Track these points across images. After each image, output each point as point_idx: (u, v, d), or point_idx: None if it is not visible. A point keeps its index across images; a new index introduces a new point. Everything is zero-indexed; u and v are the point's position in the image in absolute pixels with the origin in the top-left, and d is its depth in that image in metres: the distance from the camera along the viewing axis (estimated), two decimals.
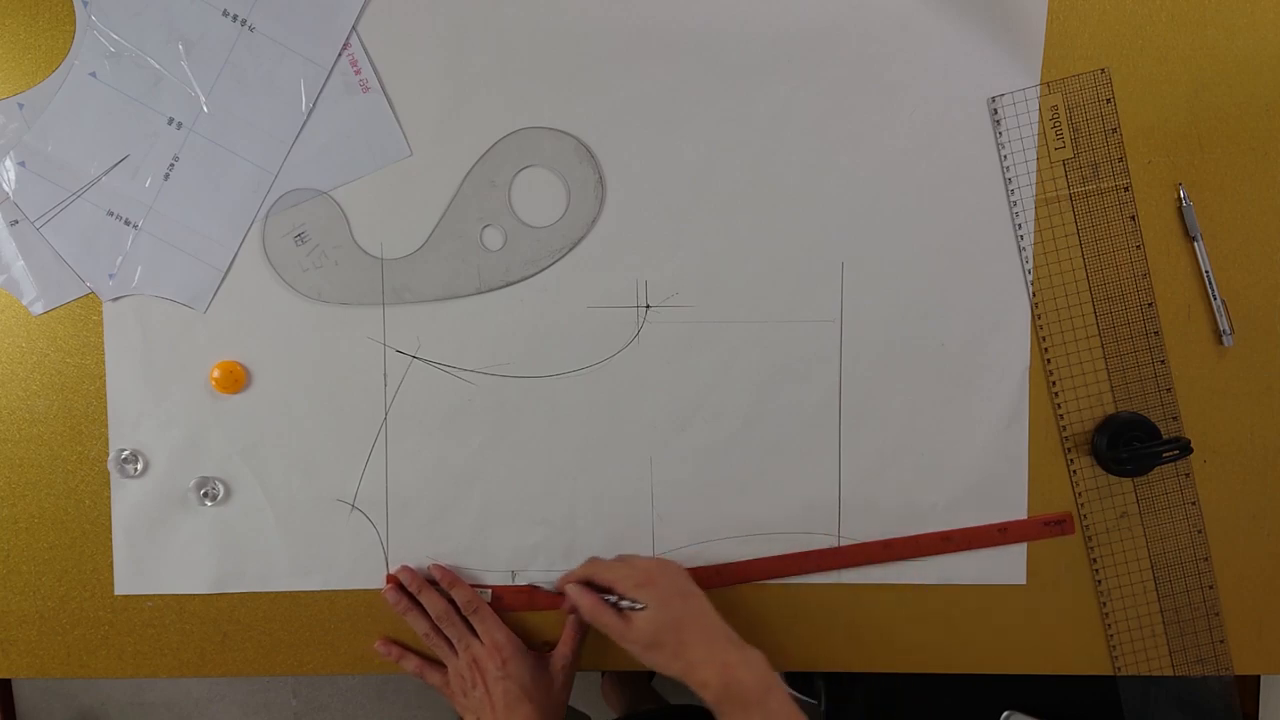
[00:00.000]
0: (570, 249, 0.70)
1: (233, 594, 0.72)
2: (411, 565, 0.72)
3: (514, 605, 0.72)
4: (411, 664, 0.71)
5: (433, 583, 0.71)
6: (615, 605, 0.65)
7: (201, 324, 0.70)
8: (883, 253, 0.70)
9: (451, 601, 0.70)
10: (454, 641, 0.69)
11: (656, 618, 0.62)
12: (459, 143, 0.69)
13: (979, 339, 0.71)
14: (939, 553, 0.71)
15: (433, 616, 0.70)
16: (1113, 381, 0.71)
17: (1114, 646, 0.73)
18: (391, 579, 0.71)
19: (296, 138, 0.68)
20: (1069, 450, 0.72)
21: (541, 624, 0.73)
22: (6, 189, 0.68)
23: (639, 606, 0.63)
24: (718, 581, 0.72)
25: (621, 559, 0.69)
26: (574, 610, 0.66)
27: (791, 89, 0.69)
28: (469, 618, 0.70)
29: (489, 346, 0.71)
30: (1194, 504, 0.72)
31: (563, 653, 0.70)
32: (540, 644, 0.72)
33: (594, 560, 0.70)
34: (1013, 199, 0.70)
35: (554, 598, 0.71)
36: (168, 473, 0.71)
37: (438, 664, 0.71)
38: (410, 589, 0.71)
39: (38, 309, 0.70)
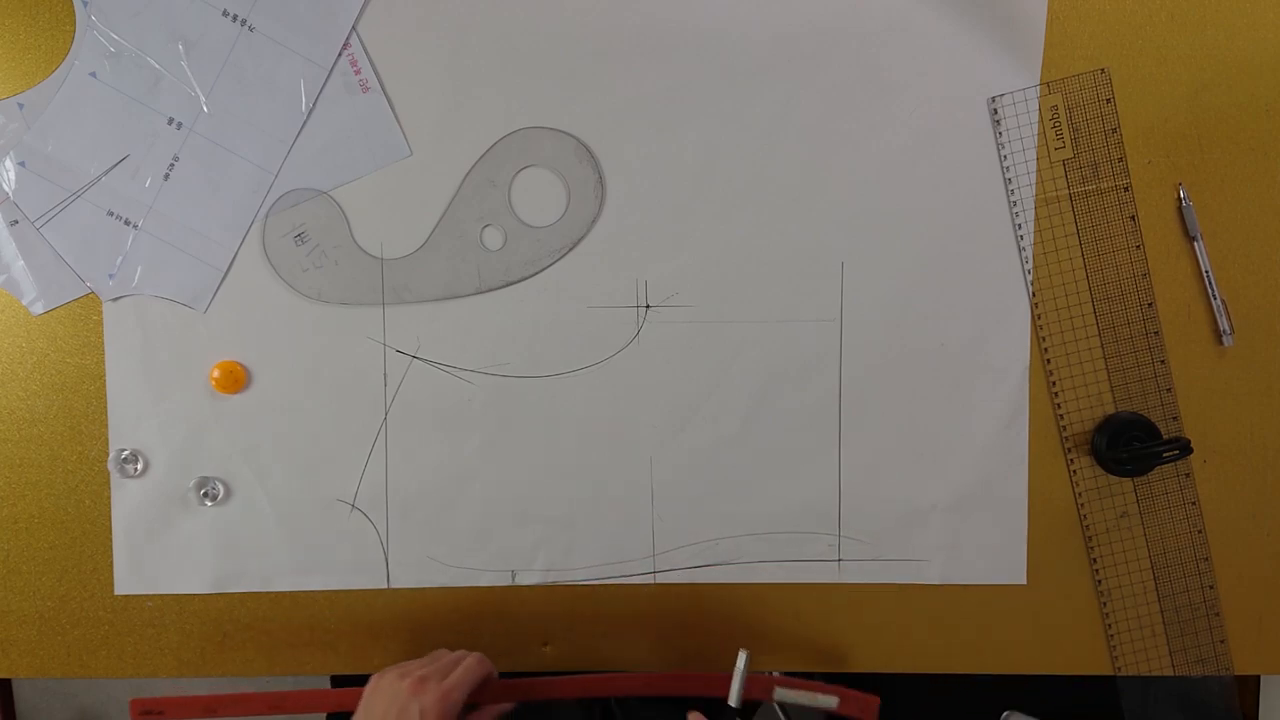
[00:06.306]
0: (570, 249, 0.70)
1: (233, 594, 0.72)
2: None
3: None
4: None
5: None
6: None
7: (201, 324, 0.70)
8: (883, 253, 0.70)
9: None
10: (424, 664, 0.64)
11: None
12: (459, 143, 0.69)
13: (979, 339, 0.71)
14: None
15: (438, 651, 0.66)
16: (1113, 381, 0.71)
17: (1114, 646, 0.73)
18: None
19: (296, 138, 0.68)
20: (1069, 450, 0.72)
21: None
22: (6, 189, 0.68)
23: None
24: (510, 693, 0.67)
25: None
26: None
27: (791, 89, 0.69)
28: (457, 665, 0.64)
29: (489, 346, 0.71)
30: (1194, 504, 0.72)
31: None
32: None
33: None
34: (1013, 199, 0.70)
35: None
36: (168, 473, 0.71)
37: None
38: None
39: (38, 309, 0.70)
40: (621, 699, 0.85)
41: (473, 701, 0.64)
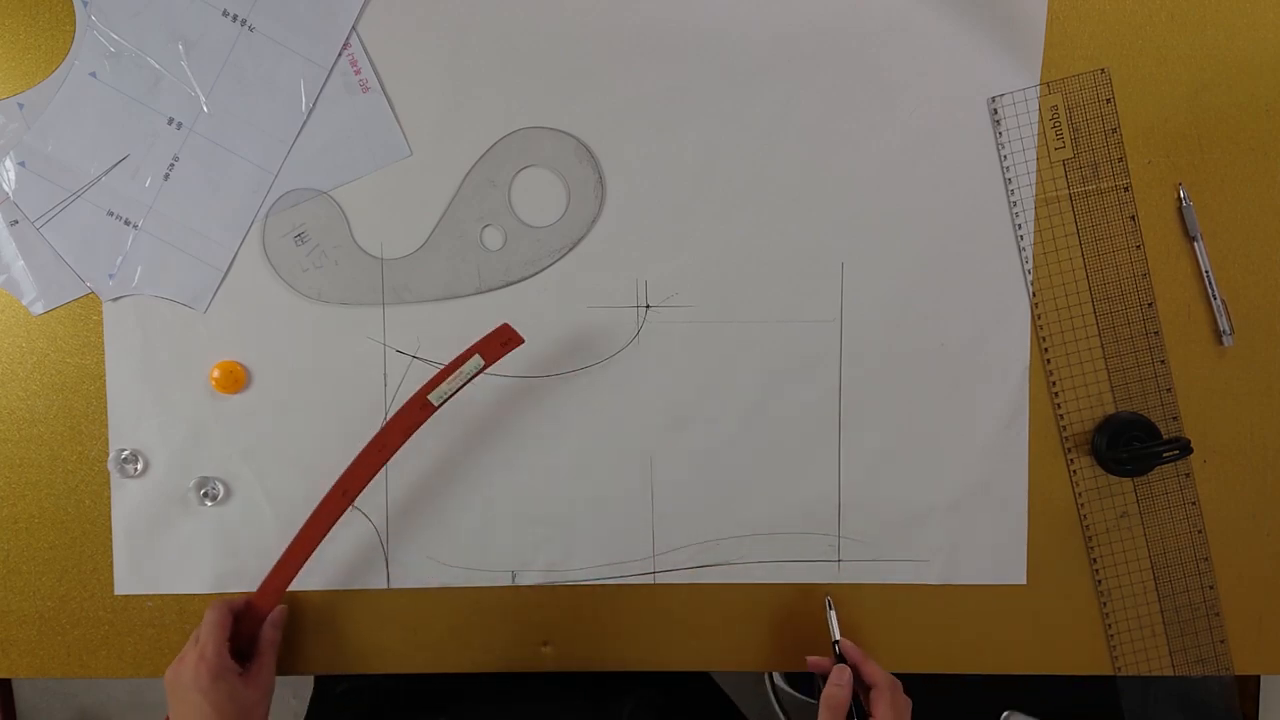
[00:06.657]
0: (570, 249, 0.70)
1: (233, 594, 0.72)
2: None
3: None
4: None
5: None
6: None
7: (201, 324, 0.70)
8: (883, 253, 0.70)
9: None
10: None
11: None
12: (459, 143, 0.69)
13: (979, 339, 0.71)
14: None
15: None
16: (1113, 381, 0.71)
17: (1114, 646, 0.73)
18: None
19: (296, 138, 0.68)
20: (1069, 450, 0.72)
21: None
22: (6, 189, 0.68)
23: None
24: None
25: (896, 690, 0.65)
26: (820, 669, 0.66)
27: (791, 89, 0.69)
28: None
29: None
30: (1194, 504, 0.72)
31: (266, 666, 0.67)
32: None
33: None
34: (1013, 199, 0.70)
35: None
36: (168, 473, 0.71)
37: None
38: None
39: (38, 309, 0.70)
40: (633, 713, 0.84)
41: (246, 633, 0.68)
